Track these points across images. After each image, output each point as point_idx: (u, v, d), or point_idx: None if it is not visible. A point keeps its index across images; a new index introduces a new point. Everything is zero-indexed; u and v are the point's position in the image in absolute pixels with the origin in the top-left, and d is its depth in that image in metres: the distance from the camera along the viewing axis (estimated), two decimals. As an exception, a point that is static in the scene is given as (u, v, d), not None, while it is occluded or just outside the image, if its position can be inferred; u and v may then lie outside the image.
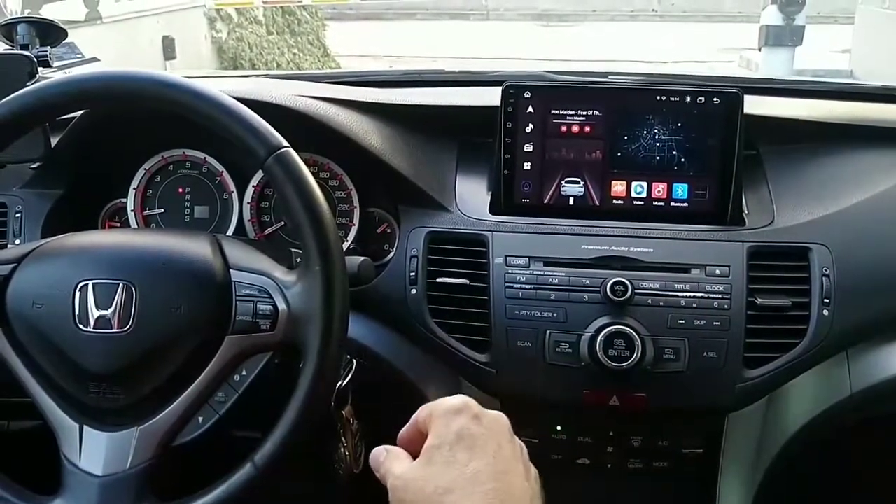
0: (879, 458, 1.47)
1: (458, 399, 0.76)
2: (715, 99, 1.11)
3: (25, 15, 1.28)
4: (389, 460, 0.75)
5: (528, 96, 1.13)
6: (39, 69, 1.16)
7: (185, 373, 0.88)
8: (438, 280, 1.11)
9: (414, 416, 0.77)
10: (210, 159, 1.23)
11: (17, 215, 1.19)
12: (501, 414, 0.76)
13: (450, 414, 0.74)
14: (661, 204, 1.14)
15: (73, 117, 1.14)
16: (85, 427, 0.89)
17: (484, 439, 0.72)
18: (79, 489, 0.87)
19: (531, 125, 1.14)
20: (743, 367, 1.06)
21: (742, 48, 8.66)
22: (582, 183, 1.15)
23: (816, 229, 1.11)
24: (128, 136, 1.20)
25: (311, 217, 0.85)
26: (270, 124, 0.87)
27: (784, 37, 6.52)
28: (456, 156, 1.24)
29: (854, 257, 1.10)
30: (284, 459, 0.85)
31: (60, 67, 1.38)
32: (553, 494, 0.72)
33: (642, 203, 1.15)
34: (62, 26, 1.24)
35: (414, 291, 1.12)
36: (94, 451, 0.88)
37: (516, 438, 0.76)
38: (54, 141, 1.15)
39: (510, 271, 1.09)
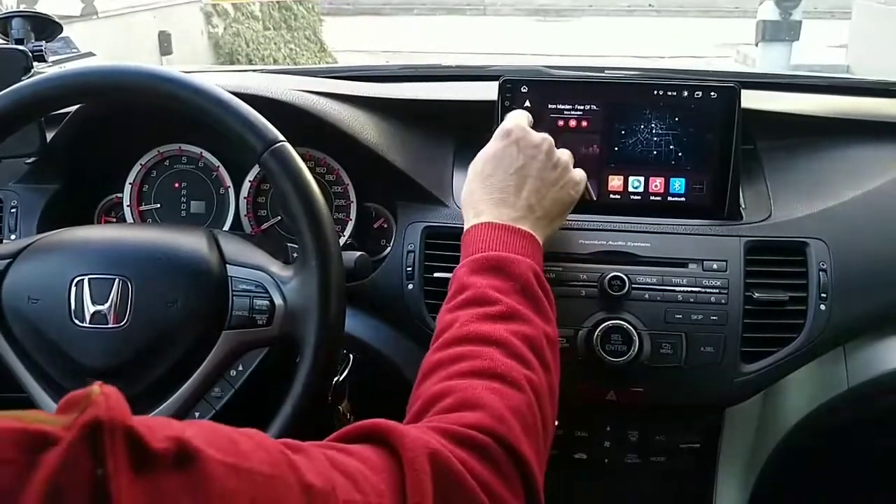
0: (876, 452, 1.48)
1: (510, 121, 0.98)
2: (712, 93, 1.11)
3: (21, 9, 1.27)
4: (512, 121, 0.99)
5: (525, 91, 1.13)
6: (35, 64, 1.15)
7: (182, 368, 0.88)
8: (435, 275, 1.11)
9: None
10: (206, 154, 1.22)
11: (13, 210, 1.19)
12: (544, 138, 0.97)
13: (497, 135, 0.97)
14: (659, 199, 1.14)
15: (69, 112, 1.14)
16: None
17: (507, 160, 0.94)
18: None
19: (528, 119, 1.13)
20: (740, 362, 1.06)
21: (739, 43, 8.66)
22: (579, 178, 1.15)
23: (814, 224, 1.11)
24: (124, 131, 1.20)
25: (308, 212, 0.85)
26: (267, 119, 0.87)
27: (781, 32, 6.52)
28: (453, 151, 1.23)
29: (851, 252, 1.10)
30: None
31: (56, 62, 1.38)
32: (550, 489, 0.72)
33: (639, 198, 1.15)
34: (57, 21, 1.24)
35: (411, 286, 1.11)
36: (90, 447, 0.87)
37: (557, 159, 0.96)
38: (50, 136, 1.15)
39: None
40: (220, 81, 0.92)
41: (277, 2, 8.30)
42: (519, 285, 0.83)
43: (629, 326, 1.02)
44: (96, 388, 0.44)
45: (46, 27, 1.22)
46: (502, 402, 0.71)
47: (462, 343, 0.77)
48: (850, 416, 1.22)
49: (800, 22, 6.50)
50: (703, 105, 1.11)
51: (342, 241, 1.20)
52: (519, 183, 0.92)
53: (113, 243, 0.93)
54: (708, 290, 1.06)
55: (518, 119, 0.99)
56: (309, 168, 0.88)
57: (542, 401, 0.76)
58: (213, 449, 0.46)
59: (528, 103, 1.13)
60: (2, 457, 0.39)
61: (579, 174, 1.00)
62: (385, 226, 1.22)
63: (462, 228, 1.12)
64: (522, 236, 0.88)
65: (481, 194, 0.93)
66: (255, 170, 1.21)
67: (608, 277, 1.04)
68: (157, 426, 0.44)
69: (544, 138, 0.97)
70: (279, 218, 1.22)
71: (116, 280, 0.88)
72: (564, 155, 0.98)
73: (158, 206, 1.23)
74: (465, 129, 1.24)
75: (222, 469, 0.46)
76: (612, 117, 1.13)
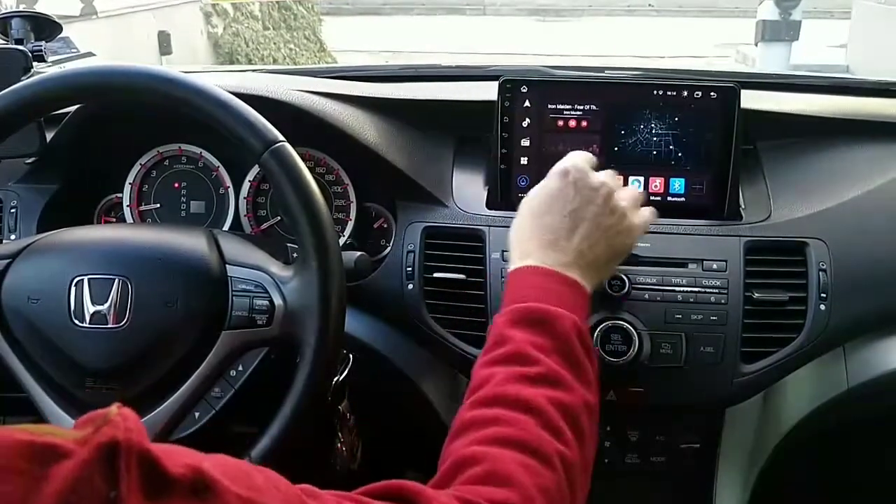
0: (876, 452, 1.48)
1: (570, 160, 0.92)
2: (712, 93, 1.11)
3: (20, 9, 1.27)
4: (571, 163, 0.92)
5: (524, 91, 1.13)
6: (34, 64, 1.15)
7: (182, 368, 0.88)
8: (435, 275, 1.11)
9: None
10: (206, 154, 1.22)
11: (13, 210, 1.19)
12: (604, 182, 0.90)
13: (553, 173, 0.91)
14: (658, 199, 1.14)
15: (69, 112, 1.14)
16: (81, 423, 0.88)
17: (562, 201, 0.88)
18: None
19: (528, 120, 1.14)
20: (740, 362, 1.06)
21: (739, 43, 8.66)
22: (579, 178, 1.15)
23: (813, 224, 1.11)
24: (123, 131, 1.20)
25: (308, 212, 0.85)
26: (267, 119, 0.87)
27: (780, 32, 6.52)
28: (453, 151, 1.23)
29: (851, 252, 1.10)
30: (281, 455, 0.85)
31: (55, 62, 1.38)
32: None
33: (639, 198, 1.15)
34: (57, 21, 1.24)
35: (411, 286, 1.11)
36: (90, 447, 0.87)
37: (615, 204, 0.90)
38: (50, 136, 1.15)
39: (507, 266, 1.09)
40: (220, 81, 0.92)
41: (277, 2, 8.30)
42: (561, 345, 0.79)
43: (629, 326, 1.02)
44: (114, 408, 0.44)
45: (46, 27, 1.22)
46: (532, 481, 0.68)
47: (497, 405, 0.74)
48: (849, 416, 1.22)
49: (799, 22, 6.49)
50: (703, 105, 1.11)
51: (342, 241, 1.20)
52: (572, 226, 0.87)
53: (113, 243, 0.93)
54: (708, 290, 1.06)
55: (577, 159, 0.92)
56: (309, 168, 0.88)
57: (573, 478, 0.72)
58: (230, 480, 0.46)
59: (527, 103, 1.13)
60: (11, 467, 0.39)
61: (640, 219, 0.94)
62: (385, 226, 1.22)
63: (462, 228, 1.12)
64: (569, 285, 0.84)
65: (531, 233, 0.88)
66: (255, 170, 1.21)
67: (608, 277, 1.04)
68: (176, 453, 0.44)
69: (603, 182, 0.90)
70: (279, 218, 1.22)
71: (116, 280, 0.88)
72: (625, 200, 0.92)
73: (158, 206, 1.23)
74: (464, 129, 1.24)
75: (237, 502, 0.45)
76: (611, 117, 1.13)
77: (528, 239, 0.88)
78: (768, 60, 6.64)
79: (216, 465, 0.46)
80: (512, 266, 0.88)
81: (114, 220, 1.25)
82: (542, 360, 0.77)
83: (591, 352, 0.81)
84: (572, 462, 0.73)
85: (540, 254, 0.86)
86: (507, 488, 0.66)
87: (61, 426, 0.88)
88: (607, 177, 0.92)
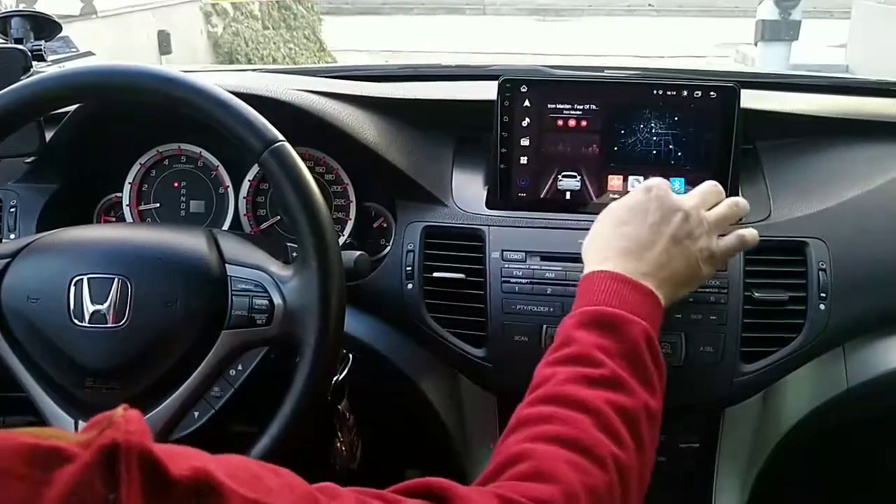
0: (875, 452, 1.48)
1: (654, 180, 0.92)
2: (712, 93, 1.11)
3: (20, 9, 1.27)
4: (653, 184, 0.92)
5: (524, 90, 1.13)
6: (34, 63, 1.15)
7: (181, 368, 0.88)
8: (435, 275, 1.11)
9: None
10: (206, 154, 1.22)
11: (12, 210, 1.19)
12: (684, 203, 0.90)
13: (638, 188, 0.92)
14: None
15: (68, 112, 1.14)
16: (80, 422, 0.89)
17: (643, 213, 0.88)
18: (74, 485, 0.87)
19: (528, 119, 1.14)
20: (740, 362, 1.06)
21: (738, 43, 8.66)
22: (578, 177, 1.15)
23: (813, 224, 1.11)
24: (123, 131, 1.20)
25: (307, 212, 0.85)
26: (266, 118, 0.87)
27: (780, 31, 6.52)
28: (452, 150, 1.23)
29: (851, 252, 1.10)
30: (280, 454, 0.85)
31: (55, 61, 1.38)
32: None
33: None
34: (57, 20, 1.24)
35: (410, 286, 1.11)
36: (89, 447, 0.87)
37: (695, 225, 0.89)
38: (49, 135, 1.15)
39: (507, 266, 1.09)
40: (220, 81, 0.92)
41: (277, 1, 8.30)
42: (628, 349, 0.78)
43: (629, 326, 1.02)
44: (120, 410, 0.44)
45: (46, 26, 1.22)
46: (579, 479, 0.66)
47: (554, 403, 0.73)
48: (849, 416, 1.22)
49: (799, 21, 6.50)
50: (703, 105, 1.11)
51: (342, 240, 1.20)
52: (653, 238, 0.87)
53: (112, 243, 0.93)
54: (707, 289, 1.06)
55: (662, 181, 0.93)
56: (308, 167, 0.87)
57: (628, 482, 0.71)
58: (237, 483, 0.45)
59: (527, 103, 1.13)
60: (14, 471, 0.39)
61: (723, 245, 0.92)
62: (385, 225, 1.22)
63: (462, 228, 1.12)
64: (644, 294, 0.83)
65: (611, 240, 0.88)
66: (255, 169, 1.21)
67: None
68: (181, 455, 0.44)
69: (684, 203, 0.90)
70: (278, 217, 1.22)
71: (116, 279, 0.88)
72: (708, 220, 0.91)
73: (158, 205, 1.23)
74: (464, 128, 1.24)
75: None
76: (611, 117, 1.13)
77: (607, 246, 0.88)
78: (768, 60, 6.64)
79: (224, 466, 0.46)
80: (586, 270, 0.87)
81: (113, 219, 1.25)
82: (605, 363, 0.76)
83: (659, 359, 0.80)
84: (628, 466, 0.71)
85: (619, 260, 0.85)
86: (550, 485, 0.65)
87: (61, 426, 0.88)
88: (692, 196, 0.92)
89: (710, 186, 0.95)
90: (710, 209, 0.93)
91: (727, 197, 0.95)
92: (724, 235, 0.93)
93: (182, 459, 0.43)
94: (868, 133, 1.22)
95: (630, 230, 0.88)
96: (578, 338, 0.78)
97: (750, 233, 0.94)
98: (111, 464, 0.40)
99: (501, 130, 1.14)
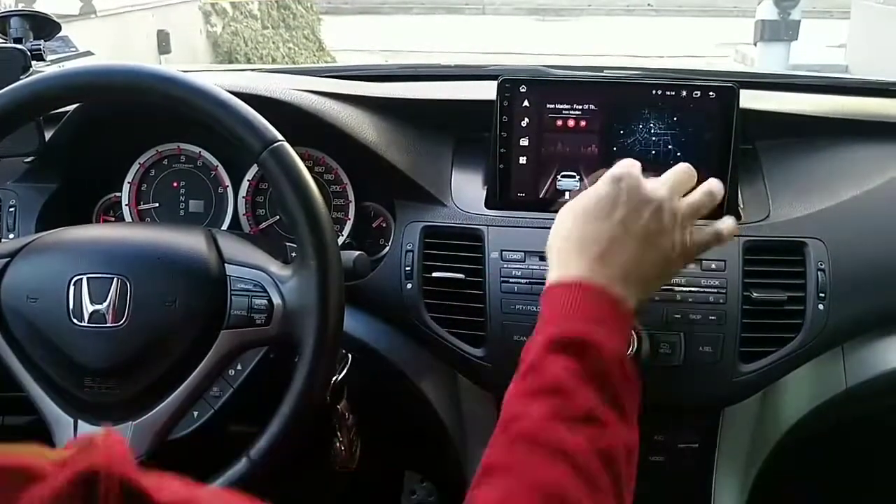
0: (874, 452, 1.48)
1: (624, 167, 0.84)
2: (711, 93, 1.11)
3: (19, 8, 1.27)
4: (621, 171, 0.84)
5: (523, 90, 1.13)
6: (33, 63, 1.15)
7: (180, 367, 0.88)
8: (434, 275, 1.11)
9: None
10: (205, 153, 1.22)
11: (11, 209, 1.19)
12: (657, 190, 0.83)
13: (605, 178, 0.84)
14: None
15: (67, 111, 1.14)
16: (79, 422, 0.89)
17: (611, 207, 0.81)
18: (73, 484, 0.87)
19: (527, 119, 1.13)
20: (739, 362, 1.06)
21: (738, 43, 8.66)
22: (578, 177, 1.15)
23: (812, 224, 1.11)
24: (122, 131, 1.20)
25: (306, 211, 0.85)
26: (265, 118, 0.87)
27: (780, 31, 6.52)
28: (451, 150, 1.23)
29: (850, 252, 1.10)
30: (280, 454, 0.85)
31: (54, 61, 1.38)
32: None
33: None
34: (56, 20, 1.24)
35: (409, 286, 1.11)
36: (88, 446, 0.87)
37: (669, 218, 0.82)
38: (48, 135, 1.15)
39: (506, 266, 1.09)
40: (219, 81, 0.92)
41: (276, 1, 8.29)
42: (604, 380, 0.73)
43: (628, 326, 1.02)
44: (102, 433, 0.42)
45: (45, 26, 1.22)
46: None
47: (532, 445, 0.69)
48: (848, 416, 1.22)
49: (798, 21, 6.50)
50: (702, 105, 1.11)
51: (341, 240, 1.20)
52: (622, 237, 0.80)
53: (111, 242, 0.93)
54: (706, 289, 1.06)
55: (632, 166, 0.84)
56: (307, 167, 0.88)
57: None
58: None
59: (526, 103, 1.13)
60: None
61: (699, 237, 0.86)
62: (384, 225, 1.22)
63: (461, 228, 1.12)
64: (612, 305, 0.77)
65: (576, 240, 0.81)
66: (254, 169, 1.21)
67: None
68: (167, 484, 0.42)
69: (655, 193, 0.82)
70: (278, 217, 1.22)
71: (115, 279, 0.88)
72: (682, 211, 0.84)
73: (157, 205, 1.23)
74: (463, 128, 1.24)
75: None
76: (610, 117, 1.13)
77: (570, 247, 0.81)
78: (767, 60, 6.65)
79: (214, 499, 0.44)
80: (551, 276, 0.81)
81: (113, 219, 1.25)
82: (581, 397, 0.71)
83: (631, 383, 0.76)
84: None
85: (583, 265, 0.79)
86: None
87: (60, 425, 0.88)
88: (664, 184, 0.84)
89: (682, 171, 0.87)
90: (684, 196, 0.86)
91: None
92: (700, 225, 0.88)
93: (168, 487, 0.42)
94: (868, 133, 1.23)
95: (595, 228, 0.81)
96: (550, 365, 0.73)
97: (727, 226, 0.88)
98: (91, 489, 0.38)
99: (501, 130, 1.14)
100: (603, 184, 0.83)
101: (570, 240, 0.82)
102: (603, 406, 0.72)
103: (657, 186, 0.84)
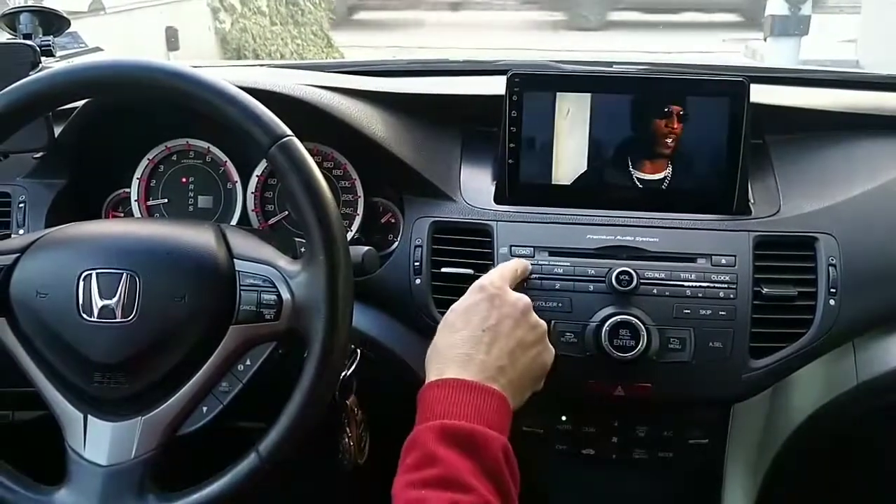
0: (885, 449, 1.47)
1: (485, 279, 0.94)
2: (721, 88, 1.10)
3: (29, 4, 1.28)
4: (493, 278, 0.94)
5: (532, 85, 1.13)
6: (42, 59, 1.15)
7: (189, 362, 0.88)
8: (443, 270, 1.11)
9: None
10: (214, 149, 1.22)
11: (21, 205, 1.19)
12: (520, 297, 0.92)
13: (471, 289, 0.93)
14: (667, 193, 1.14)
15: (76, 107, 1.14)
16: (89, 417, 0.89)
17: (477, 315, 0.89)
18: (83, 479, 0.87)
19: (513, 272, 1.13)
20: (749, 357, 1.06)
21: (748, 38, 8.62)
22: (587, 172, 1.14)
23: (823, 219, 1.10)
24: (131, 126, 1.20)
25: (315, 207, 0.85)
26: (274, 113, 0.87)
27: (790, 26, 6.49)
28: (460, 145, 1.23)
29: (860, 247, 1.09)
30: (289, 449, 0.85)
31: (63, 57, 1.38)
32: (558, 485, 0.72)
33: (648, 191, 1.14)
34: (65, 16, 1.24)
35: (418, 281, 1.11)
36: (98, 441, 0.88)
37: (534, 319, 0.92)
38: (58, 131, 1.15)
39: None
40: (228, 76, 0.91)
41: (284, -3, 8.29)
42: (492, 468, 0.78)
43: (637, 321, 1.02)
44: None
45: (54, 22, 1.23)
46: None
47: None
48: (859, 413, 1.21)
49: (809, 16, 6.46)
50: (712, 100, 1.11)
51: (349, 235, 1.20)
52: (490, 341, 0.87)
53: (121, 238, 0.93)
54: (716, 285, 1.05)
55: (495, 275, 0.95)
56: (316, 163, 0.87)
57: None
58: None
59: (535, 98, 1.13)
60: None
61: (544, 328, 0.95)
62: (392, 220, 1.22)
63: (470, 223, 1.12)
64: (493, 399, 0.83)
65: (447, 350, 0.88)
66: (263, 164, 1.21)
67: (616, 272, 1.04)
68: None
69: (520, 297, 0.92)
70: (287, 212, 1.22)
71: (124, 275, 0.88)
72: (523, 306, 0.92)
73: (166, 200, 1.23)
74: (472, 123, 1.24)
75: None
76: (620, 112, 1.13)
77: (444, 356, 0.88)
78: (777, 55, 6.61)
79: None
80: (429, 381, 0.87)
81: (122, 214, 1.25)
82: (475, 488, 0.75)
83: (515, 473, 0.81)
84: None
85: (458, 369, 0.85)
86: None
87: (70, 420, 0.88)
88: (504, 280, 0.94)
89: (510, 266, 0.99)
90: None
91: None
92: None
93: None
94: (878, 128, 1.22)
95: (465, 336, 0.88)
96: (442, 456, 0.77)
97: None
98: None
99: (510, 125, 1.14)
100: (469, 294, 0.93)
101: (440, 352, 0.89)
102: (493, 497, 0.76)
103: (521, 295, 0.94)
